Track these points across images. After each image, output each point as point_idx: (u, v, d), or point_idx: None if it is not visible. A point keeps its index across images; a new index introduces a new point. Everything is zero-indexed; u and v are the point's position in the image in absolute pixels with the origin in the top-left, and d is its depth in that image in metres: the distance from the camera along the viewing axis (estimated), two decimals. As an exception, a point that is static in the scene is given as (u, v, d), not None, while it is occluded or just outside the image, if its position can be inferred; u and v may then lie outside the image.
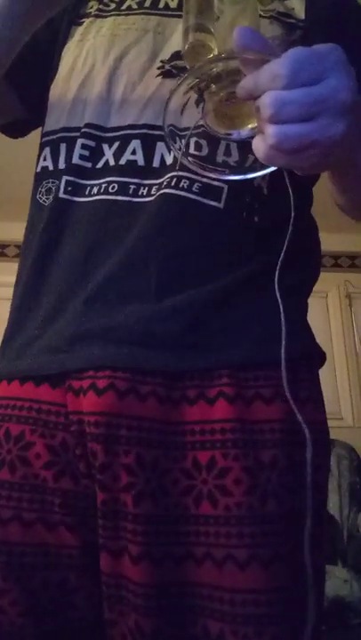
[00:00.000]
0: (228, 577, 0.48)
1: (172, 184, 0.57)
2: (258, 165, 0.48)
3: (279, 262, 0.57)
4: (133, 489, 0.50)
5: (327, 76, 0.40)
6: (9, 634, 0.50)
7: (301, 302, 0.63)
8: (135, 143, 0.60)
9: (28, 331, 0.59)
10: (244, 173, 0.52)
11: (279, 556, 0.49)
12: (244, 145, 0.53)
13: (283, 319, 0.54)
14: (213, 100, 0.48)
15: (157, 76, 0.62)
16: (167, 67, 0.63)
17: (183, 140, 0.56)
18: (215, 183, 0.57)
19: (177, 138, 0.53)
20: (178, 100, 0.46)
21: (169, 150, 0.59)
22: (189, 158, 0.54)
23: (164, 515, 0.50)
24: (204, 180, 0.57)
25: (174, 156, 0.58)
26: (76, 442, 0.53)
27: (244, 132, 0.48)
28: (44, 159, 0.66)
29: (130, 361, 0.52)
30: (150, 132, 0.60)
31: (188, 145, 0.57)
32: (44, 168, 0.65)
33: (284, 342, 0.53)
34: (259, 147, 0.42)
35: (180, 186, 0.57)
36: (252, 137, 0.44)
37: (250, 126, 0.48)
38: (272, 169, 0.47)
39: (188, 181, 0.57)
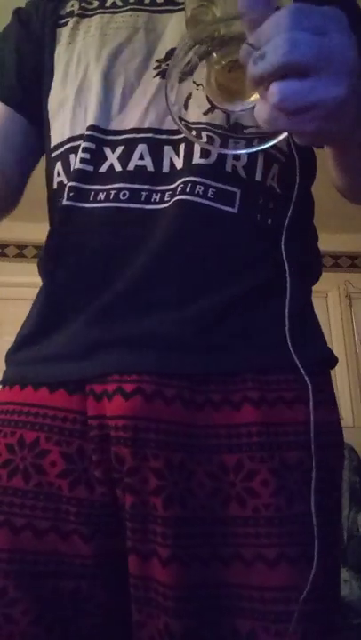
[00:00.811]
0: (258, 576, 0.49)
1: (187, 190, 0.56)
2: (256, 140, 0.46)
3: (284, 229, 0.56)
4: (163, 492, 0.50)
5: (330, 31, 0.37)
6: None
7: (312, 305, 0.64)
8: (142, 148, 0.59)
9: (40, 336, 0.59)
10: (248, 147, 0.49)
11: (307, 554, 0.49)
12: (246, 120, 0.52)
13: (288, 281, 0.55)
14: (215, 70, 0.45)
15: (155, 76, 0.62)
16: (164, 66, 0.62)
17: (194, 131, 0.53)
18: (228, 188, 0.57)
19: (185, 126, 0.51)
20: (177, 62, 0.43)
21: (177, 154, 0.58)
22: (193, 133, 0.52)
23: (191, 517, 0.50)
24: (219, 185, 0.57)
25: (185, 159, 0.57)
26: (94, 447, 0.53)
27: (247, 104, 0.46)
28: (58, 174, 0.64)
29: (156, 365, 0.53)
30: (156, 135, 0.59)
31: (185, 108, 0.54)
32: (60, 183, 0.64)
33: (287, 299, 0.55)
34: (261, 111, 0.39)
35: (196, 192, 0.56)
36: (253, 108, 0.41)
37: (252, 98, 0.45)
38: (275, 141, 0.45)
39: (202, 187, 0.56)
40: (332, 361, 0.60)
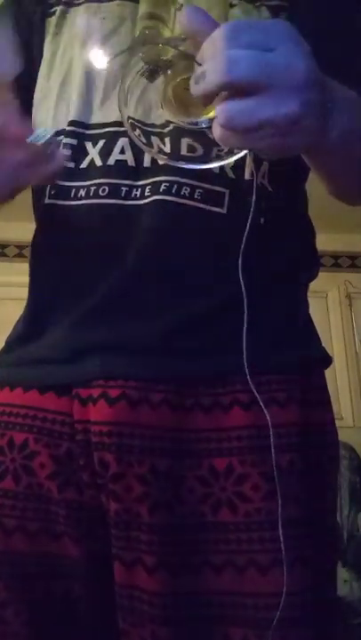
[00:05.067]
0: (251, 582, 0.48)
1: (173, 191, 0.55)
2: (223, 153, 0.45)
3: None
4: (148, 499, 0.50)
5: (275, 47, 0.35)
6: None
7: (307, 303, 0.63)
8: (123, 142, 0.57)
9: (28, 338, 0.58)
10: (209, 162, 0.48)
11: (301, 558, 0.49)
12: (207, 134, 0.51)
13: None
14: (173, 88, 0.44)
15: (141, 75, 0.59)
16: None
17: (154, 137, 0.52)
18: (216, 188, 0.56)
19: (144, 134, 0.50)
20: (130, 85, 0.42)
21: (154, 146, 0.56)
22: (153, 149, 0.51)
23: (179, 524, 0.50)
24: (206, 185, 0.55)
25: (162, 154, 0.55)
26: (80, 451, 0.52)
27: (205, 119, 0.45)
28: None
29: (142, 369, 0.52)
30: (141, 127, 0.56)
31: (162, 142, 0.53)
32: None
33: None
34: (215, 129, 0.38)
35: (182, 193, 0.55)
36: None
37: (211, 114, 0.43)
38: (239, 155, 0.44)
39: (189, 188, 0.55)
40: (326, 361, 0.59)
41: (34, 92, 0.66)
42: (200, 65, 0.37)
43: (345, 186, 0.60)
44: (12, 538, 0.51)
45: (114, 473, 0.50)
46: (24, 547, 0.51)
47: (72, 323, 0.55)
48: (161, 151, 0.51)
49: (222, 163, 0.46)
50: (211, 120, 0.42)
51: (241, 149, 0.43)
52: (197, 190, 0.55)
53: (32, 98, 0.66)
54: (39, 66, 0.66)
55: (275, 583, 0.47)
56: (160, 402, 0.51)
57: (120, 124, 0.57)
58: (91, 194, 0.56)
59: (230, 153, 0.44)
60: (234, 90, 0.35)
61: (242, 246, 0.53)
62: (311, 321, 0.61)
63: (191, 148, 0.54)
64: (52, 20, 0.66)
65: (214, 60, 0.35)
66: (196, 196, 0.55)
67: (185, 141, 0.54)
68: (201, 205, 0.55)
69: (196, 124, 0.46)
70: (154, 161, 0.56)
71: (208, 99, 0.37)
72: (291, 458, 0.51)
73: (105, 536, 0.51)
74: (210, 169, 0.53)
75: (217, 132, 0.38)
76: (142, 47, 0.42)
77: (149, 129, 0.55)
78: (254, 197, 0.55)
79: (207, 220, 0.55)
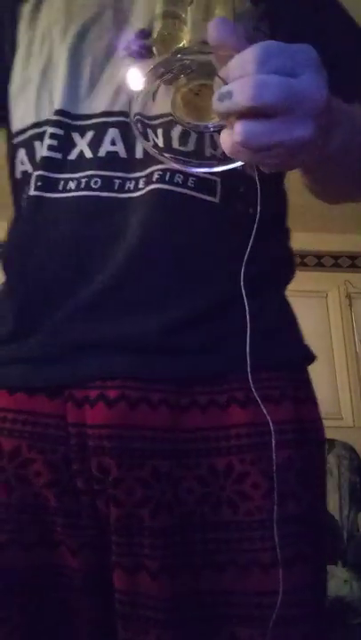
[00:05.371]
0: (255, 581, 0.48)
1: (167, 179, 0.53)
2: (222, 158, 0.44)
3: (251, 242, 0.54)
4: (150, 502, 0.48)
5: (299, 73, 0.36)
6: None
7: (287, 302, 0.62)
8: (113, 132, 0.55)
9: (12, 335, 0.55)
10: (210, 166, 0.48)
11: (301, 555, 0.49)
12: (206, 136, 0.51)
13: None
14: (182, 92, 0.44)
15: (125, 57, 0.58)
16: (133, 47, 0.58)
17: (149, 130, 0.51)
18: (209, 177, 0.55)
19: (142, 126, 0.49)
20: (145, 87, 0.43)
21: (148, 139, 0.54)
22: (155, 149, 0.49)
23: (180, 525, 0.49)
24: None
25: (162, 145, 0.54)
26: (74, 456, 0.50)
27: (213, 123, 0.45)
28: (22, 163, 0.60)
29: (142, 369, 0.50)
30: (129, 119, 0.55)
31: (155, 134, 0.53)
32: (25, 173, 0.60)
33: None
34: (226, 141, 0.39)
35: (175, 181, 0.54)
36: (220, 129, 0.41)
37: (216, 119, 0.44)
38: (239, 163, 0.44)
39: (182, 176, 0.54)
40: (310, 358, 0.59)
41: (7, 82, 0.63)
42: (224, 82, 0.37)
43: (328, 189, 0.60)
44: (7, 552, 0.49)
45: (115, 478, 0.49)
46: (19, 561, 0.50)
47: (63, 319, 0.52)
48: (175, 159, 0.50)
49: (225, 167, 0.45)
50: (218, 125, 0.43)
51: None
52: (190, 178, 0.54)
53: (5, 88, 0.63)
54: (11, 55, 0.64)
55: (278, 581, 0.47)
56: (159, 402, 0.50)
57: (109, 114, 0.56)
58: (82, 186, 0.55)
59: (223, 161, 0.44)
60: (257, 111, 0.36)
61: (251, 241, 0.53)
62: (296, 318, 0.61)
63: (183, 141, 0.54)
64: (28, 6, 0.64)
65: (243, 83, 0.35)
66: (189, 184, 0.54)
67: (176, 133, 0.53)
68: (195, 194, 0.54)
69: (202, 127, 0.46)
70: (146, 152, 0.55)
71: (228, 116, 0.37)
72: (288, 454, 0.51)
73: (102, 544, 0.50)
74: (200, 155, 0.52)
75: (227, 144, 0.39)
76: (169, 56, 0.42)
77: (146, 121, 0.54)
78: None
79: (201, 208, 0.54)
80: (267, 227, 0.56)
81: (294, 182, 0.63)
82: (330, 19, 0.62)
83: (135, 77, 0.54)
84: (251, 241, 0.53)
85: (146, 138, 0.50)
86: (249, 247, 0.53)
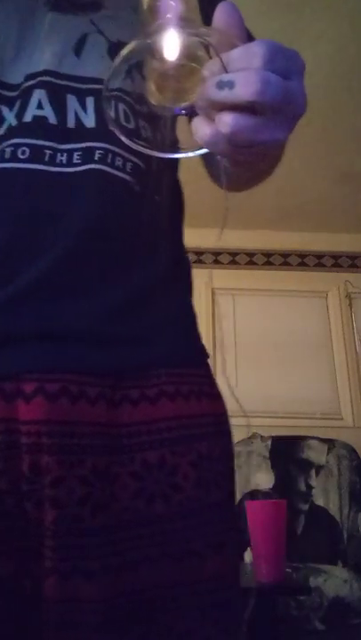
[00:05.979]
0: (191, 570, 0.48)
1: (109, 160, 0.51)
2: (186, 146, 0.42)
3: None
4: (89, 501, 0.46)
5: (292, 78, 0.36)
6: None
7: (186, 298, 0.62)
8: (39, 94, 0.51)
9: None
10: (173, 152, 0.46)
11: (226, 541, 0.51)
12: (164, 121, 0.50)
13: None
14: (157, 71, 0.42)
15: (48, 10, 0.55)
16: None
17: (112, 104, 0.48)
18: (137, 161, 0.54)
19: (110, 100, 0.46)
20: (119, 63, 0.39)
21: (84, 108, 0.52)
22: (118, 129, 0.45)
23: (116, 523, 0.47)
24: (134, 158, 0.53)
25: (96, 117, 0.51)
26: None
27: (182, 106, 0.43)
28: None
29: (81, 362, 0.48)
30: (56, 80, 0.51)
31: (117, 112, 0.50)
32: None
33: None
34: (202, 129, 0.37)
35: (116, 165, 0.52)
36: (188, 114, 0.39)
37: (187, 103, 0.42)
38: (203, 152, 0.41)
39: (121, 159, 0.52)
40: (206, 354, 0.59)
41: None
42: (225, 70, 0.36)
43: (238, 182, 0.57)
44: None
45: (55, 477, 0.46)
46: None
47: None
48: (147, 146, 0.47)
49: (189, 155, 0.43)
50: (187, 107, 0.41)
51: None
52: (128, 163, 0.53)
53: None
54: None
55: (213, 567, 0.49)
56: (97, 396, 0.48)
57: (34, 75, 0.52)
58: (7, 156, 0.50)
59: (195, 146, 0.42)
60: (250, 105, 0.36)
61: (165, 229, 0.53)
62: (194, 314, 0.60)
63: (126, 117, 0.52)
64: None
65: (249, 76, 0.34)
66: (127, 169, 0.53)
67: (121, 107, 0.52)
68: (130, 179, 0.53)
69: (172, 109, 0.44)
70: (79, 122, 0.52)
71: (219, 105, 0.36)
72: (208, 445, 0.52)
73: (29, 549, 0.46)
74: (137, 135, 0.51)
75: (204, 132, 0.37)
76: (153, 25, 0.39)
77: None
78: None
79: (132, 196, 0.53)
80: (171, 214, 0.56)
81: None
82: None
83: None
84: (165, 229, 0.54)
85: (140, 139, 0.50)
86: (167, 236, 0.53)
